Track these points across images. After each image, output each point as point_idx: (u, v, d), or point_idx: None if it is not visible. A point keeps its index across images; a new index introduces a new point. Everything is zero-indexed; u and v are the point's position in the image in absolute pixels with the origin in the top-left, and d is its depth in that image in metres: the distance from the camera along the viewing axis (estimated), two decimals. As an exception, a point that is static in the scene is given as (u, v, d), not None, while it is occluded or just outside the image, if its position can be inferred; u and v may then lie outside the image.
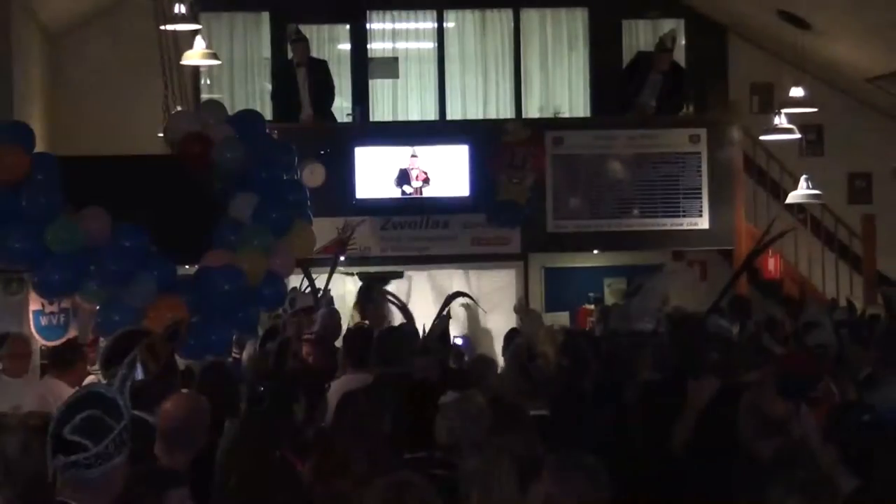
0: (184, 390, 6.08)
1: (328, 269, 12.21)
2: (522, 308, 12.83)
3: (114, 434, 3.74)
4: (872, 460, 4.71)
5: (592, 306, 13.94)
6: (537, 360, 6.51)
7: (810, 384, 6.22)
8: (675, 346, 6.97)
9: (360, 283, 12.70)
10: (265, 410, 5.64)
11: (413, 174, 13.68)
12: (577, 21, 15.69)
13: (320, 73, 14.20)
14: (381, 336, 8.01)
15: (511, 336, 9.50)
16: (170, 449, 5.32)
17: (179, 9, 11.70)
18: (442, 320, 10.63)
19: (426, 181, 13.70)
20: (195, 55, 12.15)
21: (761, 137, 14.11)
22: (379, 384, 7.21)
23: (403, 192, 13.71)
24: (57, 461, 3.72)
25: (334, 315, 9.82)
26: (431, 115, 15.53)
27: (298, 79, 14.00)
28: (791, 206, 14.17)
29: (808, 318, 8.97)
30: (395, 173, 13.67)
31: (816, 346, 7.90)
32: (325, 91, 14.22)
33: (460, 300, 11.78)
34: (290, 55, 14.37)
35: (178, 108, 11.71)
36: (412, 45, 15.90)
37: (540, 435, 5.90)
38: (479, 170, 13.75)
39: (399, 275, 13.59)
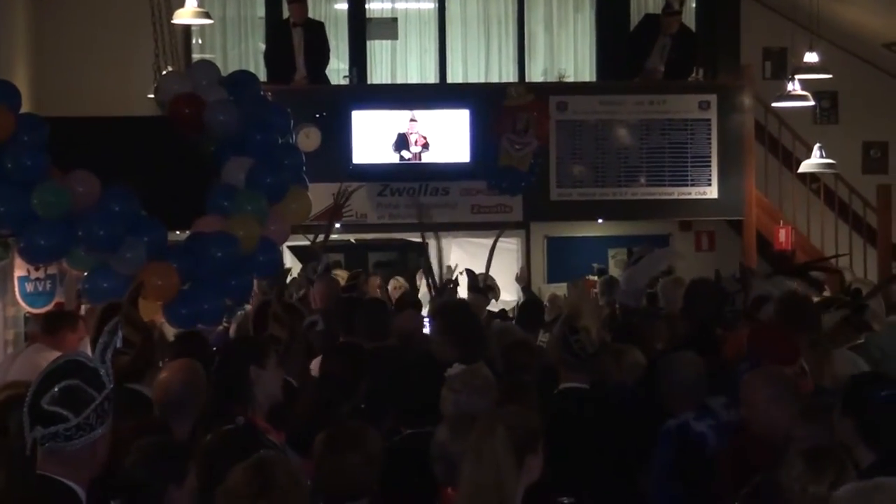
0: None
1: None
2: (524, 278, 12.54)
3: (95, 404, 3.67)
4: (890, 435, 4.66)
5: (596, 277, 13.67)
6: (579, 335, 6.27)
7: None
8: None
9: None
10: (216, 372, 5.51)
11: (412, 139, 13.37)
12: (583, -19, 15.36)
13: (316, 36, 13.85)
14: (364, 308, 7.79)
15: (527, 308, 9.28)
16: (172, 419, 5.30)
17: (170, -35, 11.42)
18: (446, 291, 10.40)
19: (425, 146, 13.38)
20: (187, 14, 11.89)
21: (773, 104, 13.79)
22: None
23: (402, 158, 13.41)
24: (35, 432, 3.63)
25: (333, 284, 9.52)
26: (431, 77, 15.22)
27: (294, 39, 13.67)
28: (803, 175, 13.87)
29: (760, 291, 8.69)
30: (394, 138, 13.35)
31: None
32: (320, 54, 13.87)
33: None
34: (285, 14, 14.03)
35: (169, 69, 11.45)
36: (412, 5, 15.57)
37: (578, 409, 5.87)
38: (481, 135, 13.47)
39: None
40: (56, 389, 3.64)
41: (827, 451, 4.21)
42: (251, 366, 5.41)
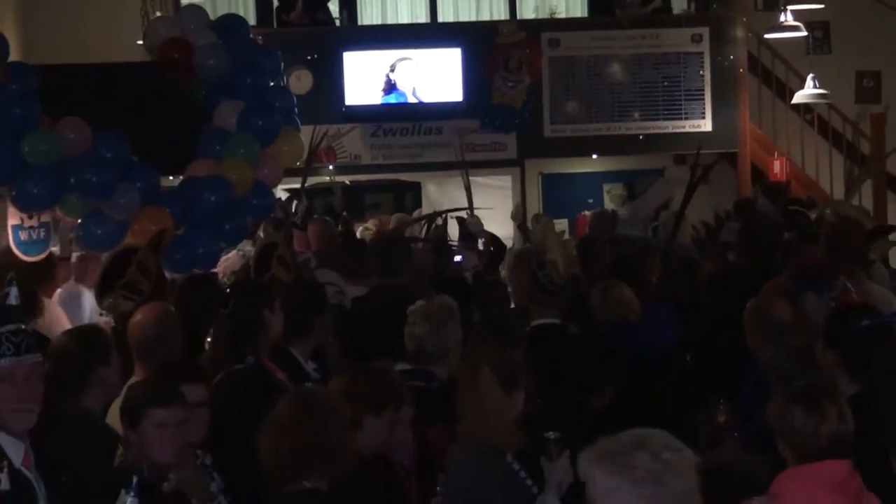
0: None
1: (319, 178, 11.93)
2: (520, 215, 12.53)
3: None
4: (872, 366, 4.59)
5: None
6: (546, 269, 6.25)
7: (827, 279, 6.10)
8: None
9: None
10: (230, 313, 5.52)
11: (399, 83, 13.29)
12: (573, -86, 15.21)
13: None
14: (377, 247, 7.84)
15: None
16: (144, 360, 5.35)
17: None
18: (437, 230, 10.43)
19: (414, 91, 13.33)
20: (175, -43, 11.79)
21: (766, 36, 13.71)
22: (371, 295, 7.14)
23: (395, 97, 13.35)
24: None
25: (327, 225, 9.54)
26: (422, 17, 15.12)
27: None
28: (797, 106, 13.81)
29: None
30: (384, 81, 13.31)
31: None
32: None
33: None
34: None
35: (158, 14, 11.39)
36: (401, -56, 15.41)
37: (549, 345, 5.76)
38: (473, 74, 13.42)
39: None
40: None
41: (814, 388, 4.15)
42: (265, 310, 5.50)
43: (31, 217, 8.59)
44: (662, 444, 2.79)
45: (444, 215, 10.75)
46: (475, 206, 11.40)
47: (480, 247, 10.10)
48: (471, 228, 10.61)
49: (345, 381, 4.61)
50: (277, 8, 13.87)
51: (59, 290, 8.60)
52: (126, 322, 5.69)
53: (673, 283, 7.58)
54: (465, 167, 10.97)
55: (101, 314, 7.39)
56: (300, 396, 4.20)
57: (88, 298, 8.20)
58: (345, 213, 11.34)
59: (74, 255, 8.86)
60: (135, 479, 3.77)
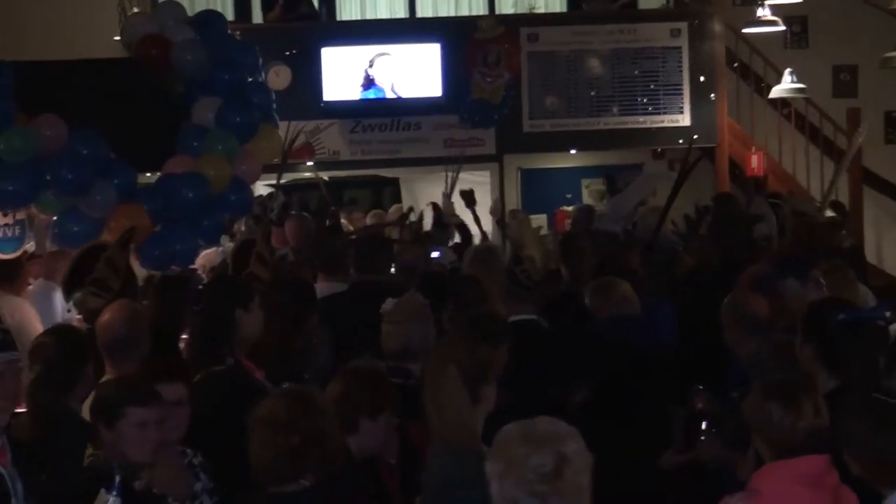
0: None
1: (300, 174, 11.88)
2: (498, 210, 12.54)
3: None
4: (849, 360, 4.63)
5: (570, 208, 13.72)
6: (523, 265, 6.26)
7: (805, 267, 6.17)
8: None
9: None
10: (200, 311, 5.47)
11: (377, 79, 13.27)
12: None
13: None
14: (359, 244, 7.83)
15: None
16: (116, 359, 5.27)
17: None
18: (414, 224, 10.44)
19: (392, 86, 13.31)
20: (151, -47, 11.75)
21: (744, 30, 13.74)
22: (352, 292, 7.16)
23: (374, 93, 13.33)
24: None
25: (304, 222, 9.50)
26: (401, 13, 15.12)
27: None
28: (775, 100, 13.84)
29: (755, 210, 8.87)
30: (363, 76, 13.29)
31: (760, 239, 7.96)
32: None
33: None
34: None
35: (135, 10, 11.34)
36: (379, -62, 15.38)
37: (529, 339, 5.72)
38: (452, 69, 13.40)
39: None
40: None
41: (789, 383, 4.15)
42: (237, 309, 5.43)
43: (5, 214, 8.54)
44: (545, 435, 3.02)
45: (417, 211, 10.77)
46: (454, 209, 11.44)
47: (456, 239, 10.13)
48: (445, 215, 10.62)
49: (342, 383, 4.57)
50: (262, 5, 13.86)
51: (30, 287, 8.55)
52: (94, 319, 5.63)
53: (654, 277, 7.58)
54: (452, 163, 11.02)
55: (69, 311, 7.36)
56: (294, 395, 4.15)
57: (60, 296, 8.16)
58: (334, 209, 11.26)
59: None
60: (117, 479, 3.75)
